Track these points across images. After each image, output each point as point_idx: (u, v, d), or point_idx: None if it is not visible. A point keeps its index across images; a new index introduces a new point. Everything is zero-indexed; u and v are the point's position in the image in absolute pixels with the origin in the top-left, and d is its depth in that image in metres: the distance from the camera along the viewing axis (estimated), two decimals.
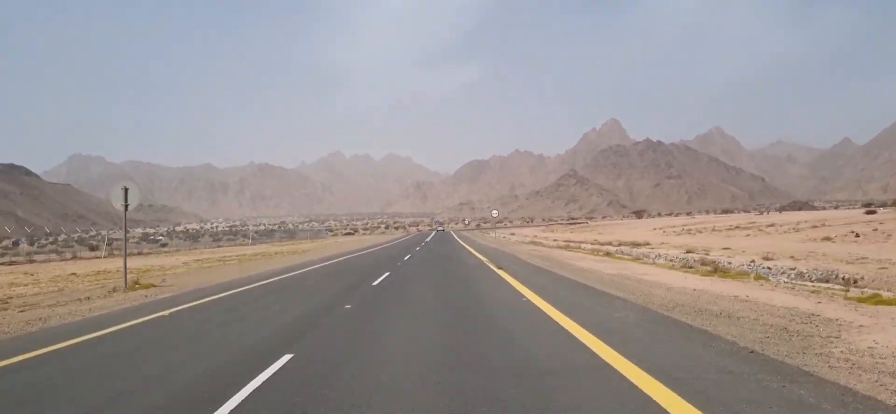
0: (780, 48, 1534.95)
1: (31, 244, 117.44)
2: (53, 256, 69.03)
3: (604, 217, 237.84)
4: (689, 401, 5.23)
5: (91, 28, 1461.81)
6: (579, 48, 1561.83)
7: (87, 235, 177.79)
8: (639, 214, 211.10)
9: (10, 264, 51.86)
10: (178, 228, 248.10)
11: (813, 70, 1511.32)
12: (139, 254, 65.51)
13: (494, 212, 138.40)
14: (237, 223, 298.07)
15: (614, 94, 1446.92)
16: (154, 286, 20.10)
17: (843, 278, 14.71)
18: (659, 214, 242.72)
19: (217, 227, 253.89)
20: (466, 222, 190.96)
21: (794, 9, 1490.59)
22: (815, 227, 44.51)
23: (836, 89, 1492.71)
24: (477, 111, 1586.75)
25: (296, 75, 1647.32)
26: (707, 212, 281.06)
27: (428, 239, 73.45)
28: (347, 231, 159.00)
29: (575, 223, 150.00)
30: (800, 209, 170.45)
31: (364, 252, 43.98)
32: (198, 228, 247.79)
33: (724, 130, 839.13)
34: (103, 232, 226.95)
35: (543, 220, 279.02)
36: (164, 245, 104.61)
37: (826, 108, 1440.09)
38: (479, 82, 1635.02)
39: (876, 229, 34.74)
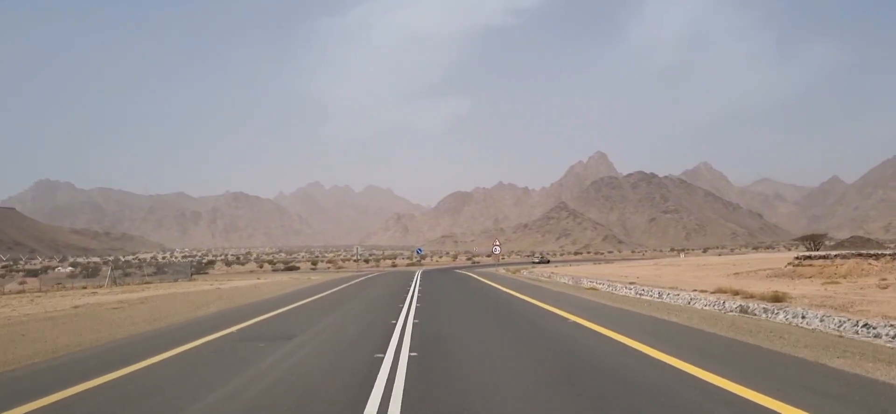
0: (764, 85, 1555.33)
1: None
2: None
3: (731, 249, 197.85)
4: None
5: (64, 52, 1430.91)
6: (564, 81, 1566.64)
7: None
8: (817, 242, 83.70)
9: None
10: (126, 258, 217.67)
11: (797, 108, 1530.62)
12: None
13: (496, 247, 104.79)
14: (197, 254, 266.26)
15: (600, 127, 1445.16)
16: None
17: None
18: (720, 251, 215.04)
19: (171, 258, 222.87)
20: (501, 256, 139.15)
21: (777, 45, 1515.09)
22: None
23: (821, 127, 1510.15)
24: (459, 143, 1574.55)
25: (276, 104, 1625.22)
26: (720, 249, 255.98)
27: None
28: (290, 266, 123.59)
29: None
30: (861, 246, 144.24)
31: None
32: (139, 259, 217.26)
33: (712, 166, 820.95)
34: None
35: (591, 253, 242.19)
36: None
37: (811, 146, 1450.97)
38: (462, 115, 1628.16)
39: None
